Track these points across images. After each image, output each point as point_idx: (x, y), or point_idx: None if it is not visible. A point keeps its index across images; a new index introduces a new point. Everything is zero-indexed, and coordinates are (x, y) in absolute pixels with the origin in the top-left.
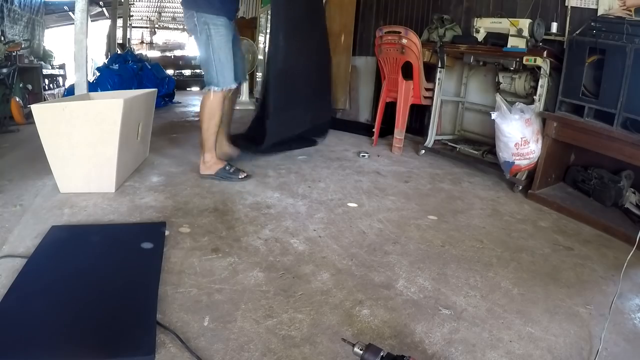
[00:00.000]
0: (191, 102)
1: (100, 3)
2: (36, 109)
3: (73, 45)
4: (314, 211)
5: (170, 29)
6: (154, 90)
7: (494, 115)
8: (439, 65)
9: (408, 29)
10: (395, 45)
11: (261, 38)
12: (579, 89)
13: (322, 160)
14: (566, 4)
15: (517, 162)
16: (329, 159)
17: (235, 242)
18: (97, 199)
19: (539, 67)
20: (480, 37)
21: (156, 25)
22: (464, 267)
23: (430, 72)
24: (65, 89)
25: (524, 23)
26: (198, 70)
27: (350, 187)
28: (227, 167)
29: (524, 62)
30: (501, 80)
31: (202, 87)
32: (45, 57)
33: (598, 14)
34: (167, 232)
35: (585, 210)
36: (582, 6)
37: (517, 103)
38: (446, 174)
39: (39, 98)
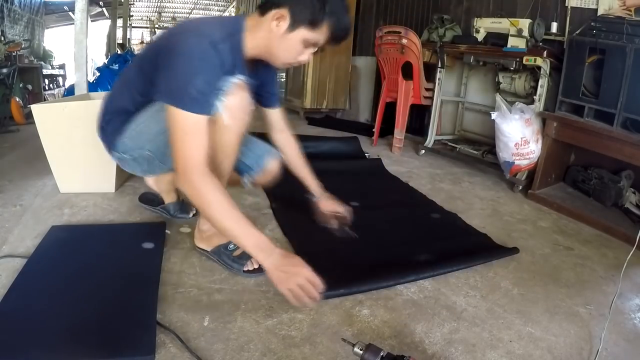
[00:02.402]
0: None
1: (100, 3)
2: (36, 109)
3: (73, 45)
4: None
5: None
6: None
7: (494, 115)
8: (439, 65)
9: (408, 29)
10: (395, 46)
11: None
12: (579, 89)
13: None
14: (566, 4)
15: (517, 162)
16: None
17: None
18: (97, 199)
19: (539, 67)
20: (480, 37)
21: (156, 25)
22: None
23: (430, 72)
24: (65, 89)
25: (524, 23)
26: None
27: None
28: (231, 247)
29: (524, 62)
30: (501, 80)
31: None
32: (45, 57)
33: (598, 14)
34: (167, 232)
35: (585, 210)
36: (582, 6)
37: (517, 103)
38: (446, 174)
39: (39, 98)
